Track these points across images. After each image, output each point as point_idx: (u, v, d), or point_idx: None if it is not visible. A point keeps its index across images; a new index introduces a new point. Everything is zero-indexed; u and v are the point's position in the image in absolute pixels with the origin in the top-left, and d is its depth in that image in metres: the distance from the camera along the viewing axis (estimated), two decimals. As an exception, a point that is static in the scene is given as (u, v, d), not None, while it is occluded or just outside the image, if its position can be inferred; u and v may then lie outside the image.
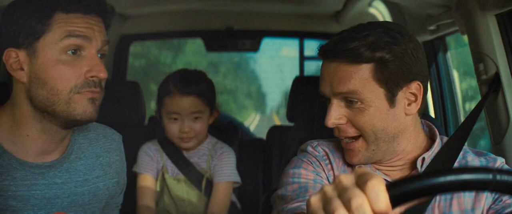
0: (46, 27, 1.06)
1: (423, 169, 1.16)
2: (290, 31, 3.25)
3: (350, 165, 1.23)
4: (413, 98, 1.14)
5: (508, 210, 1.07)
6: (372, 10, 2.69)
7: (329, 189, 0.63)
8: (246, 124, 7.24)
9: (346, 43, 1.11)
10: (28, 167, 1.11)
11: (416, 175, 0.63)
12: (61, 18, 1.07)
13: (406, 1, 2.01)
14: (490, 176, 0.63)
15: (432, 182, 0.62)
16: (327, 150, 1.24)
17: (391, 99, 1.12)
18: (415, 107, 1.15)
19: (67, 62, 1.07)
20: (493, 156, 1.19)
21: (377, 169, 1.20)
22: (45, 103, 1.08)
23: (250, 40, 3.08)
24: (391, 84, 1.11)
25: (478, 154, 1.20)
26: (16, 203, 1.10)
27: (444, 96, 2.19)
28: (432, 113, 2.23)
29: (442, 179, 0.62)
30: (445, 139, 1.23)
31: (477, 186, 0.63)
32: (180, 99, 1.73)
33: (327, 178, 1.21)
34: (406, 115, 1.15)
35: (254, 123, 7.10)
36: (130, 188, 1.83)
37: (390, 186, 0.61)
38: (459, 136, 1.24)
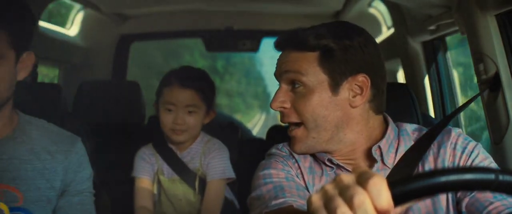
0: None
1: (384, 158, 1.16)
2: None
3: (318, 165, 1.23)
4: (358, 90, 1.16)
5: (507, 211, 1.07)
6: (372, 10, 2.69)
7: (330, 188, 0.63)
8: (252, 123, 7.33)
9: (296, 34, 1.18)
10: None
11: (419, 174, 0.63)
12: None
13: (406, 1, 2.01)
14: (493, 176, 0.63)
15: (434, 181, 0.62)
16: (291, 150, 1.26)
17: (334, 88, 1.15)
18: (360, 99, 1.16)
19: None
20: (448, 127, 1.19)
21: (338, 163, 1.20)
22: None
23: (250, 40, 3.08)
24: (335, 73, 1.15)
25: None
26: None
27: (444, 96, 2.19)
28: (432, 113, 2.24)
29: (444, 179, 0.62)
30: (404, 125, 1.24)
31: (479, 186, 0.64)
32: (177, 91, 1.76)
33: (296, 175, 1.22)
34: (351, 106, 1.16)
35: (260, 123, 7.16)
36: (130, 191, 1.84)
37: (393, 185, 0.62)
38: (437, 127, 1.22)
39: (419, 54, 2.23)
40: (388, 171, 1.18)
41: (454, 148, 1.16)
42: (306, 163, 1.24)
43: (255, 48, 3.18)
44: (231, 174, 1.84)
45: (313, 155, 1.25)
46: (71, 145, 1.31)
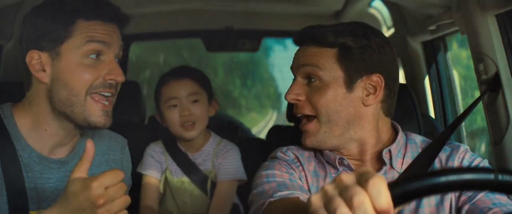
0: (69, 33, 1.15)
1: (393, 162, 1.20)
2: (290, 31, 3.24)
3: (322, 168, 1.25)
4: (372, 90, 1.20)
5: (496, 209, 1.08)
6: (372, 10, 2.69)
7: (330, 188, 0.63)
8: (265, 120, 7.52)
9: (315, 30, 1.21)
10: (46, 162, 1.19)
11: (419, 175, 0.63)
12: (83, 25, 1.16)
13: (406, 1, 2.01)
14: (492, 176, 0.63)
15: (434, 181, 0.62)
16: (297, 154, 1.28)
17: (349, 85, 1.18)
18: (373, 99, 1.20)
19: (88, 65, 1.16)
20: (456, 143, 1.24)
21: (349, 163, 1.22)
22: (65, 103, 1.16)
23: (250, 40, 3.08)
24: (351, 70, 1.18)
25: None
26: (35, 195, 1.17)
27: (444, 96, 2.19)
28: (432, 113, 2.23)
29: (444, 179, 0.62)
30: (413, 135, 1.28)
31: (478, 186, 0.64)
32: (175, 83, 1.77)
33: (300, 179, 1.23)
34: (364, 105, 1.20)
35: (272, 120, 7.44)
36: (134, 188, 1.83)
37: (393, 185, 0.61)
38: (445, 133, 1.28)
39: (419, 54, 2.23)
40: (395, 174, 1.20)
41: (461, 162, 1.19)
42: (310, 166, 1.25)
43: (255, 48, 3.17)
44: (243, 175, 1.82)
45: (318, 158, 1.26)
46: (122, 150, 1.36)
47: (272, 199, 1.11)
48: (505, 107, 1.46)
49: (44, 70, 1.16)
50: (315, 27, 1.23)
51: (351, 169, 1.22)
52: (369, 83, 1.19)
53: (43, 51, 1.15)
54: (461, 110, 2.13)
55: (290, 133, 1.65)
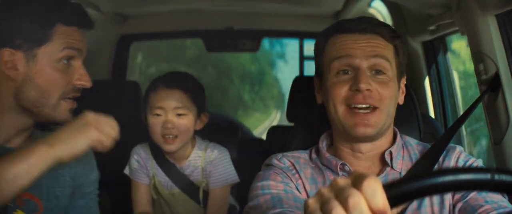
0: (48, 37, 1.16)
1: (394, 160, 1.22)
2: (290, 31, 3.24)
3: (319, 173, 1.25)
4: (401, 90, 1.27)
5: (488, 206, 1.09)
6: (372, 10, 2.69)
7: (326, 191, 0.63)
8: (269, 120, 7.68)
9: (375, 22, 1.24)
10: (3, 151, 1.16)
11: (415, 175, 0.63)
12: (62, 30, 1.17)
13: (406, 1, 2.01)
14: (489, 176, 0.63)
15: (431, 182, 0.62)
16: (292, 161, 1.27)
17: (398, 82, 1.23)
18: (402, 99, 1.26)
19: (61, 70, 1.18)
20: (452, 145, 1.26)
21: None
22: (34, 104, 1.17)
23: (250, 40, 3.08)
24: (399, 69, 1.23)
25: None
26: None
27: (444, 96, 2.19)
28: (432, 113, 2.23)
29: (441, 179, 0.62)
30: (407, 137, 1.32)
31: (475, 186, 0.64)
32: (164, 93, 1.68)
33: (296, 187, 1.22)
34: (399, 103, 1.26)
35: (276, 119, 7.66)
36: (130, 191, 1.82)
37: (389, 186, 0.61)
38: (447, 135, 1.31)
39: (419, 54, 2.23)
40: (396, 175, 1.21)
41: (457, 162, 1.21)
42: (307, 173, 1.25)
43: (255, 48, 3.18)
44: (235, 178, 1.78)
45: (314, 163, 1.27)
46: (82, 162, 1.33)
47: None
48: (505, 107, 1.46)
49: (16, 69, 1.15)
50: (372, 20, 1.24)
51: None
52: (402, 83, 1.27)
53: (17, 50, 1.15)
54: (461, 110, 2.13)
55: (290, 133, 1.65)
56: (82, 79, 1.22)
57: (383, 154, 1.23)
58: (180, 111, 1.68)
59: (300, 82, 1.85)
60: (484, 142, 2.22)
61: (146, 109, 1.73)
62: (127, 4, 2.74)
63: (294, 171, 1.25)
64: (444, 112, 2.18)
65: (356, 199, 0.59)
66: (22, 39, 1.14)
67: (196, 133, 1.79)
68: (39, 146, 1.05)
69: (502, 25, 1.47)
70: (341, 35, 1.23)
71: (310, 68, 3.43)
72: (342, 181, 0.63)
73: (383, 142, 1.24)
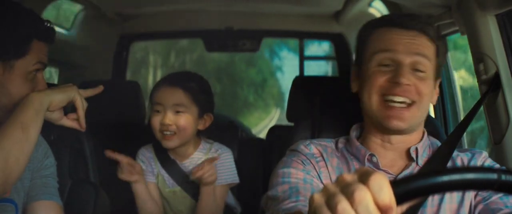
0: (26, 50, 1.24)
1: (420, 157, 1.25)
2: (290, 31, 3.25)
3: (345, 162, 1.27)
4: (435, 91, 1.28)
5: (507, 210, 1.09)
6: (372, 10, 2.70)
7: (332, 186, 0.63)
8: (269, 117, 7.81)
9: (423, 20, 1.24)
10: None
11: (422, 173, 0.63)
12: (36, 45, 1.27)
13: (406, 1, 2.01)
14: (495, 176, 0.63)
15: (437, 180, 0.62)
16: (320, 149, 1.28)
17: (435, 81, 1.26)
18: (435, 99, 1.28)
19: (30, 81, 1.27)
20: (477, 150, 1.27)
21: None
22: (1, 108, 1.24)
23: (250, 40, 3.08)
24: (437, 69, 1.25)
25: (462, 151, 1.28)
26: None
27: (444, 96, 2.19)
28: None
29: (447, 178, 0.62)
30: (433, 139, 1.33)
31: (481, 186, 0.63)
32: (165, 90, 1.72)
33: (318, 175, 1.23)
34: (431, 102, 1.27)
35: (276, 117, 7.80)
36: (130, 191, 1.81)
37: (396, 184, 0.61)
38: (456, 134, 1.32)
39: (419, 54, 2.22)
40: None
41: (482, 165, 1.23)
42: (334, 162, 1.27)
43: (255, 48, 3.18)
44: (235, 179, 1.79)
45: (340, 152, 1.30)
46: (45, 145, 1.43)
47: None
48: (505, 107, 1.46)
49: None
50: (417, 17, 1.26)
51: (377, 167, 1.24)
52: (437, 84, 1.28)
53: None
54: (461, 110, 2.13)
55: (290, 133, 1.65)
56: (42, 89, 1.30)
57: (410, 150, 1.25)
58: (179, 109, 1.71)
59: (300, 82, 1.85)
60: (483, 142, 2.22)
61: (150, 105, 1.78)
62: (127, 4, 2.74)
63: (320, 158, 1.26)
64: (444, 112, 2.19)
65: (362, 193, 0.59)
66: (3, 50, 1.22)
67: (198, 132, 1.80)
68: (31, 96, 1.20)
69: (502, 25, 1.47)
70: (388, 28, 1.25)
71: (310, 68, 3.43)
72: (349, 176, 0.63)
73: (413, 138, 1.26)
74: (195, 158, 1.80)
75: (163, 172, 1.80)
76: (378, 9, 2.66)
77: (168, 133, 1.71)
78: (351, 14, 2.70)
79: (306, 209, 1.09)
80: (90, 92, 1.36)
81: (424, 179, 0.62)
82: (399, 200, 0.61)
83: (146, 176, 1.79)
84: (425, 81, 1.21)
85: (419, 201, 1.14)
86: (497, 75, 1.46)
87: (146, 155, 1.82)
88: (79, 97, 1.29)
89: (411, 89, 1.20)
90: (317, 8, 2.85)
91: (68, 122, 1.32)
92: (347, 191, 0.60)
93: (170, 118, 1.70)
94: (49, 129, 1.36)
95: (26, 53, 1.25)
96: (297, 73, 3.40)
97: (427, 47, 1.23)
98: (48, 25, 1.31)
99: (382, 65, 1.22)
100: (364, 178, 0.61)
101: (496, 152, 1.51)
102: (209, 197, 1.73)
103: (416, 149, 1.24)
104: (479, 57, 1.50)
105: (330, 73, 4.37)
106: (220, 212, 1.77)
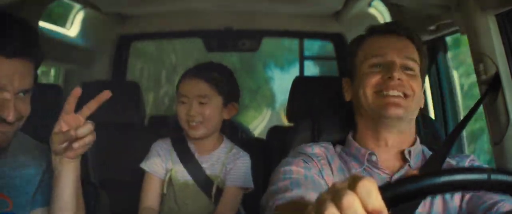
0: None
1: (412, 160, 1.29)
2: (290, 31, 3.25)
3: (345, 164, 1.31)
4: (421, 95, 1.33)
5: (497, 198, 1.11)
6: (372, 10, 2.70)
7: (323, 194, 0.64)
8: (261, 117, 7.93)
9: (408, 28, 1.36)
10: None
11: (412, 176, 0.63)
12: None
13: (406, 1, 2.01)
14: (485, 176, 0.63)
15: (428, 183, 0.62)
16: (323, 150, 1.33)
17: (422, 80, 1.32)
18: (422, 102, 1.35)
19: None
20: (464, 154, 1.35)
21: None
22: None
23: (250, 40, 3.08)
24: (422, 73, 1.33)
25: (450, 157, 1.33)
26: None
27: (444, 96, 2.19)
28: (432, 114, 2.23)
29: (437, 180, 0.62)
30: (422, 145, 1.38)
31: (472, 186, 0.64)
32: (189, 82, 1.77)
33: (320, 171, 1.26)
34: (419, 104, 1.33)
35: (267, 117, 8.00)
36: (130, 191, 1.82)
37: (385, 187, 0.62)
38: (454, 134, 1.38)
39: (419, 54, 2.22)
40: None
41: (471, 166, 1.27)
42: (336, 163, 1.31)
43: (255, 48, 3.18)
44: (250, 184, 1.81)
45: (341, 156, 1.33)
46: (46, 157, 1.32)
47: (278, 203, 1.13)
48: (505, 107, 1.46)
49: None
50: (400, 23, 1.38)
51: (376, 166, 1.28)
52: (423, 89, 1.34)
53: None
54: (461, 110, 2.13)
55: (290, 133, 1.65)
56: (4, 114, 1.15)
57: (403, 152, 1.29)
58: (203, 100, 1.76)
59: (300, 82, 1.85)
60: (483, 142, 2.22)
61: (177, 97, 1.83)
62: (126, 4, 2.74)
63: (322, 157, 1.30)
64: (444, 113, 2.19)
65: (350, 199, 0.59)
66: None
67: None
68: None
69: (502, 25, 1.47)
70: (378, 36, 1.36)
71: (310, 68, 3.43)
72: (339, 183, 0.64)
73: (407, 140, 1.31)
74: (215, 155, 1.82)
75: (177, 164, 1.81)
76: (378, 9, 2.67)
77: (194, 122, 1.76)
78: (351, 14, 2.70)
79: (307, 197, 1.12)
80: (96, 104, 1.29)
81: (414, 182, 0.62)
82: (390, 204, 0.61)
83: (154, 168, 1.80)
84: (415, 78, 1.29)
85: (416, 202, 1.16)
86: (497, 75, 1.46)
87: (163, 146, 1.84)
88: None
89: (404, 83, 1.27)
90: (317, 8, 2.85)
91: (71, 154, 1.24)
92: (336, 197, 0.61)
93: (195, 109, 1.75)
94: (49, 129, 1.36)
95: None
96: (290, 74, 3.39)
97: (414, 52, 1.32)
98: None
99: (374, 66, 1.30)
100: (352, 183, 0.61)
101: (496, 152, 1.52)
102: (228, 198, 1.76)
103: (410, 151, 1.29)
104: (479, 57, 1.51)
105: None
106: (235, 211, 1.78)
